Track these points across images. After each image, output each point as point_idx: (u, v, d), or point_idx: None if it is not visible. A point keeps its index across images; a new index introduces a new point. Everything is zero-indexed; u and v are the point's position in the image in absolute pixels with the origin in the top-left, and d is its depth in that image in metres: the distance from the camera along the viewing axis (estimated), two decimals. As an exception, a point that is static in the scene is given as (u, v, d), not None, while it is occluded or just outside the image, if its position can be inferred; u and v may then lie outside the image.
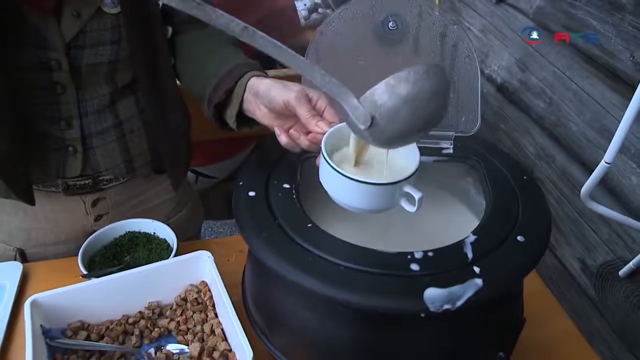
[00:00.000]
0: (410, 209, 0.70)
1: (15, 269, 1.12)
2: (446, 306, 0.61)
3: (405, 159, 0.73)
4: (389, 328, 0.68)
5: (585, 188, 0.98)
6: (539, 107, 1.49)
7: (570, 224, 1.39)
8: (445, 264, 0.66)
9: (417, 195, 0.68)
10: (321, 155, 0.71)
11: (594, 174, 0.95)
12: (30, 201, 1.05)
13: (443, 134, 0.86)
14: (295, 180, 0.78)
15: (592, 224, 1.31)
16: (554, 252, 1.49)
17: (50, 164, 1.05)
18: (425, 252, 0.67)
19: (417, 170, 0.70)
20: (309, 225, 0.70)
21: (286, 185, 0.77)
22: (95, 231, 1.10)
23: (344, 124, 0.72)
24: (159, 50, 1.02)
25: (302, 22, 2.42)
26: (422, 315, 0.65)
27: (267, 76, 0.88)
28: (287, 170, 0.80)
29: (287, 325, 0.74)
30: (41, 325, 0.93)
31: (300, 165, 0.82)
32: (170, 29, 1.06)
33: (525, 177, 0.80)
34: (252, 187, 0.76)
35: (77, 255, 1.06)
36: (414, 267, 0.65)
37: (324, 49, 0.85)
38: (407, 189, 0.69)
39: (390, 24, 0.85)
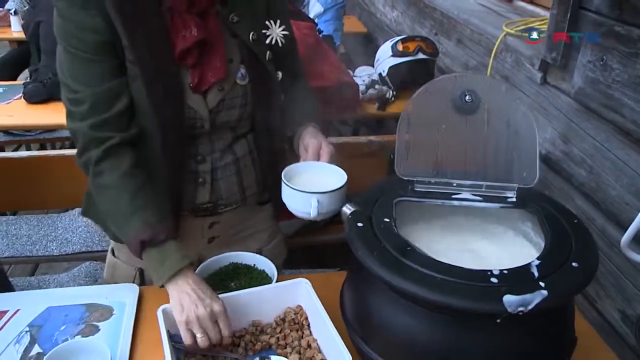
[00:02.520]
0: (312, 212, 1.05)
1: (133, 289, 1.33)
2: (520, 308, 0.80)
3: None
4: (470, 331, 0.87)
5: (624, 238, 1.17)
6: (581, 175, 1.69)
7: (610, 278, 1.56)
8: (517, 279, 0.85)
9: (314, 203, 1.05)
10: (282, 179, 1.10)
11: (632, 225, 1.14)
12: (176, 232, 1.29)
13: (508, 185, 1.07)
14: (392, 216, 0.99)
15: (630, 277, 1.48)
16: (595, 305, 1.65)
17: (186, 194, 1.30)
18: (501, 270, 0.86)
19: (328, 192, 1.05)
20: (409, 248, 0.91)
21: (386, 219, 0.98)
22: (204, 257, 1.33)
23: (299, 163, 1.18)
24: (274, 109, 1.31)
25: (360, 96, 2.69)
26: (498, 320, 0.84)
27: (316, 127, 1.29)
28: (384, 209, 1.02)
29: (386, 331, 0.93)
30: (168, 331, 1.12)
31: (394, 206, 1.03)
32: (283, 96, 1.35)
33: (575, 221, 1.00)
34: (359, 220, 0.98)
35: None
36: (494, 280, 0.84)
37: (414, 116, 1.08)
38: (318, 198, 1.05)
39: (467, 97, 1.07)
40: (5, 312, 1.28)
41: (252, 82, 1.26)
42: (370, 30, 4.36)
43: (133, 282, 1.43)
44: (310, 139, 1.23)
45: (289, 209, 1.12)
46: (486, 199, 1.07)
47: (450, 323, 0.87)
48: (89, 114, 1.15)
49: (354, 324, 1.01)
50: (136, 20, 1.13)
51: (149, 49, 1.15)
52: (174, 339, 1.13)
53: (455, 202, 1.07)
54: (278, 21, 1.26)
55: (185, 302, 1.10)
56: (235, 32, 1.22)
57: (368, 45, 4.35)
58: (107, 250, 2.24)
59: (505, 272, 0.86)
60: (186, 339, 1.09)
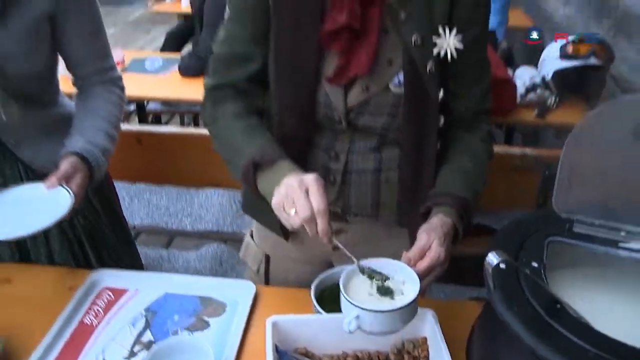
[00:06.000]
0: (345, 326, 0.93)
1: (249, 288, 1.27)
2: None
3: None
4: None
5: None
6: None
7: None
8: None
9: (349, 323, 0.93)
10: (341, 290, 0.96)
11: None
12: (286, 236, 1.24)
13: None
14: (542, 260, 0.83)
15: None
16: None
17: None
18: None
19: (369, 310, 0.92)
20: (558, 306, 0.75)
21: (534, 264, 0.82)
22: (331, 262, 1.25)
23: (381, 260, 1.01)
24: (427, 134, 1.14)
25: (518, 99, 2.48)
26: None
27: (447, 216, 1.08)
28: (534, 250, 0.86)
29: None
30: (276, 345, 1.05)
31: (546, 247, 0.86)
32: (442, 118, 1.15)
33: None
34: (502, 260, 0.82)
35: (306, 287, 1.19)
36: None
37: (586, 138, 0.90)
38: (358, 313, 0.92)
39: (654, 126, 0.87)
40: (126, 290, 1.29)
41: (407, 92, 1.09)
42: (537, 26, 4.04)
43: (259, 266, 1.42)
44: (423, 233, 1.04)
45: None
46: (664, 254, 0.87)
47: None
48: (212, 74, 1.19)
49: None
50: None
51: (294, 23, 1.09)
52: (282, 354, 1.06)
53: (622, 253, 0.88)
54: (455, 30, 1.06)
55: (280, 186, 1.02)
56: (400, 31, 1.06)
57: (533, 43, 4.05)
58: (236, 232, 2.28)
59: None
60: (284, 221, 1.01)
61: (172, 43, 4.21)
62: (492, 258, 0.81)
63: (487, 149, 1.21)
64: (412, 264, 1.00)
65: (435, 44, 1.06)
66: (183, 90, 2.83)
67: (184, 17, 4.49)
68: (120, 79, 1.48)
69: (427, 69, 1.06)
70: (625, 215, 0.89)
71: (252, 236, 1.44)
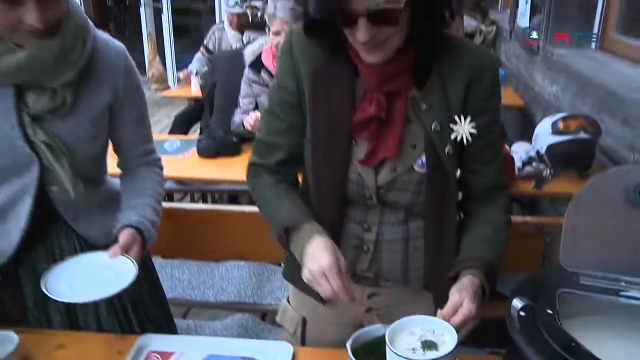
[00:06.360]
0: None
1: (287, 349, 1.39)
2: None
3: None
4: None
5: None
6: None
7: None
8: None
9: None
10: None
11: None
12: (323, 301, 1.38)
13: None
14: (555, 308, 0.98)
15: None
16: None
17: (347, 258, 1.31)
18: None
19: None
20: (573, 344, 0.89)
21: (549, 311, 0.97)
22: (362, 325, 1.36)
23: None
24: (448, 208, 1.29)
25: (516, 172, 2.65)
26: None
27: (475, 277, 1.20)
28: (548, 300, 1.01)
29: None
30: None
31: (557, 298, 1.01)
32: (461, 194, 1.31)
33: None
34: (522, 310, 0.97)
35: (338, 347, 1.31)
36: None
37: (584, 204, 1.07)
38: None
39: (641, 191, 1.04)
40: (173, 353, 1.39)
41: (429, 172, 1.24)
42: (528, 104, 4.28)
43: (296, 329, 1.53)
44: (455, 292, 1.17)
45: None
46: (659, 301, 1.02)
47: None
48: (253, 153, 1.40)
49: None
50: (326, 88, 1.25)
51: (329, 116, 1.25)
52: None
53: (623, 300, 1.03)
54: (469, 118, 1.21)
55: (305, 265, 1.21)
56: (422, 119, 1.21)
57: (525, 119, 4.27)
58: (257, 304, 2.39)
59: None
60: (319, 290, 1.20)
61: (181, 125, 4.44)
62: (517, 303, 0.97)
63: (504, 218, 1.35)
64: (447, 319, 1.12)
65: (452, 130, 1.21)
66: (202, 170, 3.01)
67: (194, 100, 4.75)
68: (159, 160, 1.67)
69: (446, 152, 1.22)
70: (624, 268, 1.05)
71: (289, 301, 1.57)
